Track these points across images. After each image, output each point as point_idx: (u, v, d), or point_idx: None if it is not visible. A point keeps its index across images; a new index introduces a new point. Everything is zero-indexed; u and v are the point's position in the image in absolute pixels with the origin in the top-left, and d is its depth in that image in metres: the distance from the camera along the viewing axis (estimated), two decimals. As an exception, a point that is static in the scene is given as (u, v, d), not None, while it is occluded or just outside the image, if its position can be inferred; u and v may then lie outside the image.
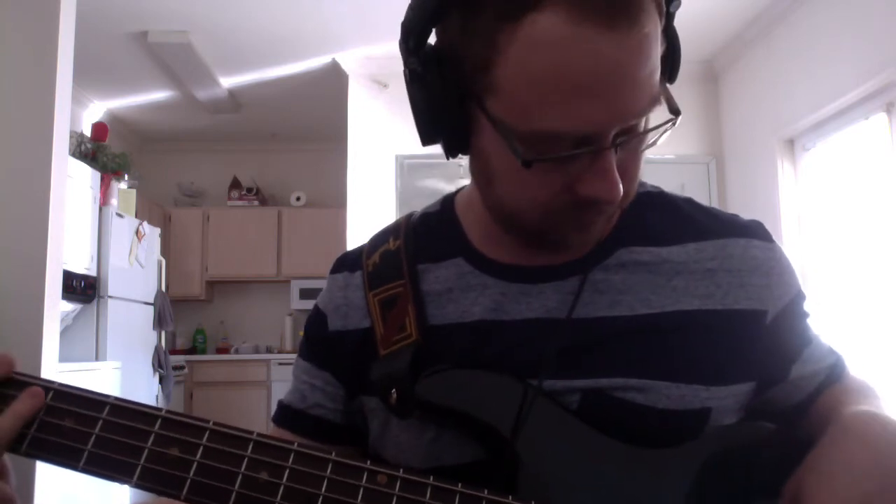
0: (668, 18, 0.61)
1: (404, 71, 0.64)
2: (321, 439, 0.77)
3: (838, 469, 0.61)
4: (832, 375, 0.76)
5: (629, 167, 0.63)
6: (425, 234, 0.79)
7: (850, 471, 0.61)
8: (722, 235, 0.74)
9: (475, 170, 0.69)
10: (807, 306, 0.76)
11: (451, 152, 0.67)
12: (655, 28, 0.57)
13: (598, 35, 0.54)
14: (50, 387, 0.60)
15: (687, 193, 0.81)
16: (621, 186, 0.60)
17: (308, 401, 0.78)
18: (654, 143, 0.63)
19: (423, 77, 0.63)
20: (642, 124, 0.61)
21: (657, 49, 0.59)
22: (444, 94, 0.62)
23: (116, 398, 0.61)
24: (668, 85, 0.64)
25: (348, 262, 0.81)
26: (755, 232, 0.75)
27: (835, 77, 3.40)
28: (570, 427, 0.66)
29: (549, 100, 0.57)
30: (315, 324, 0.80)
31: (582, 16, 0.54)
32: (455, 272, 0.74)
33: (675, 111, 0.61)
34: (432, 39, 0.64)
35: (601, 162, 0.59)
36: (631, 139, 0.60)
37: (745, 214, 0.78)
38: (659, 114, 0.61)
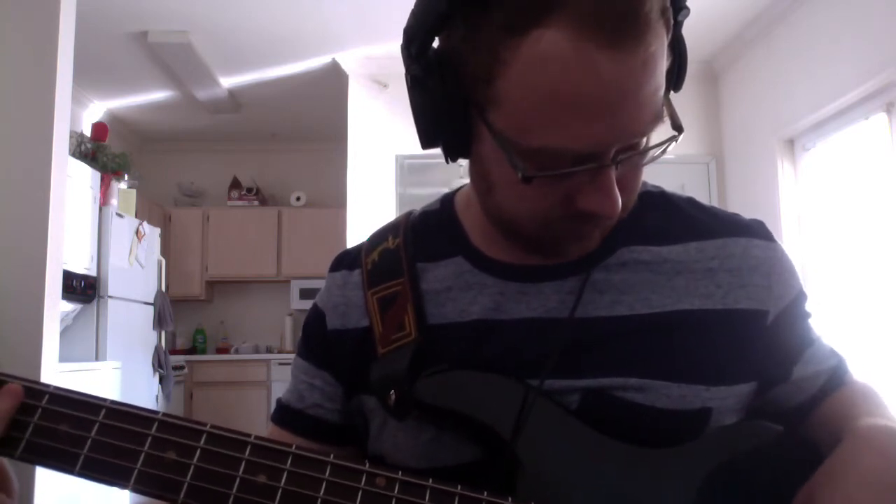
0: (676, 28, 0.60)
1: (406, 76, 0.64)
2: (320, 439, 0.77)
3: (854, 482, 0.61)
4: (835, 378, 0.76)
5: (629, 181, 0.63)
6: (424, 233, 0.79)
7: (866, 484, 0.61)
8: (722, 235, 0.73)
9: (475, 175, 0.69)
10: (808, 307, 0.76)
11: (451, 156, 0.66)
12: (662, 45, 0.57)
13: (601, 54, 0.53)
14: (45, 390, 0.60)
15: (687, 193, 0.80)
16: (620, 201, 0.60)
17: (306, 400, 0.78)
18: (656, 158, 0.63)
19: (424, 83, 0.62)
20: (644, 141, 0.61)
21: (662, 66, 0.58)
22: (446, 101, 0.62)
23: (112, 401, 0.61)
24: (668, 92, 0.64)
25: (347, 261, 0.81)
26: (756, 231, 0.75)
27: (835, 77, 3.40)
28: (570, 427, 0.65)
29: (550, 117, 0.56)
30: (313, 323, 0.80)
31: (586, 34, 0.53)
32: (454, 271, 0.74)
33: (678, 127, 0.61)
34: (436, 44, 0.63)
35: (602, 178, 0.59)
36: (632, 156, 0.60)
37: (746, 214, 0.78)
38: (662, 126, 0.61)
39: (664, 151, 0.61)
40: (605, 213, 0.60)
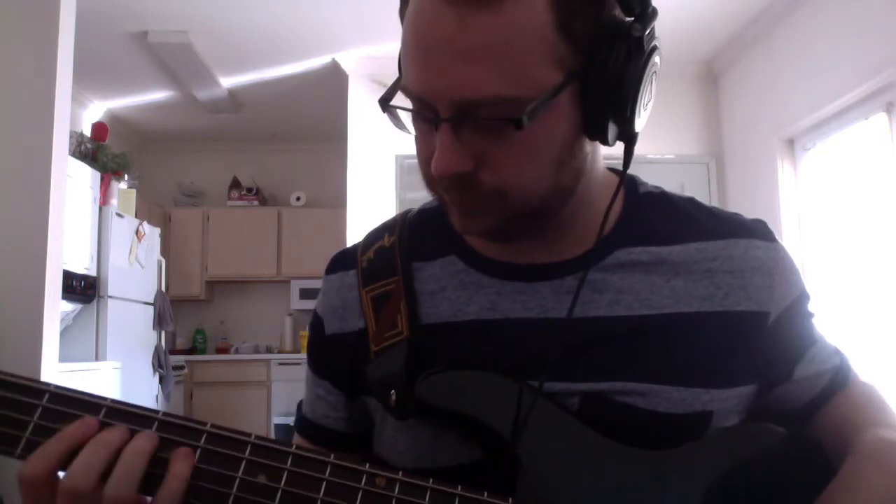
0: (605, 32, 0.60)
1: None
2: (334, 448, 0.76)
3: (863, 497, 0.62)
4: (838, 378, 0.76)
5: (493, 154, 0.62)
6: (420, 232, 0.78)
7: (875, 498, 0.62)
8: (724, 236, 0.73)
9: None
10: (811, 306, 0.76)
11: None
12: (527, 23, 0.57)
13: (444, 8, 0.57)
14: (46, 389, 0.60)
15: (687, 193, 0.80)
16: (460, 165, 0.61)
17: (317, 411, 0.79)
18: (503, 131, 0.60)
19: None
20: (497, 112, 0.59)
21: (525, 44, 0.57)
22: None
23: (113, 400, 0.61)
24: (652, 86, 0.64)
25: (343, 261, 0.81)
26: (758, 232, 0.74)
27: (835, 77, 3.40)
28: (571, 429, 0.65)
29: (403, 57, 0.63)
30: (314, 330, 0.80)
31: None
32: (449, 270, 0.74)
33: (523, 117, 0.58)
34: None
35: (438, 135, 0.61)
36: (464, 120, 0.60)
37: (745, 214, 0.78)
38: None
39: (510, 124, 0.59)
40: (433, 168, 0.62)
